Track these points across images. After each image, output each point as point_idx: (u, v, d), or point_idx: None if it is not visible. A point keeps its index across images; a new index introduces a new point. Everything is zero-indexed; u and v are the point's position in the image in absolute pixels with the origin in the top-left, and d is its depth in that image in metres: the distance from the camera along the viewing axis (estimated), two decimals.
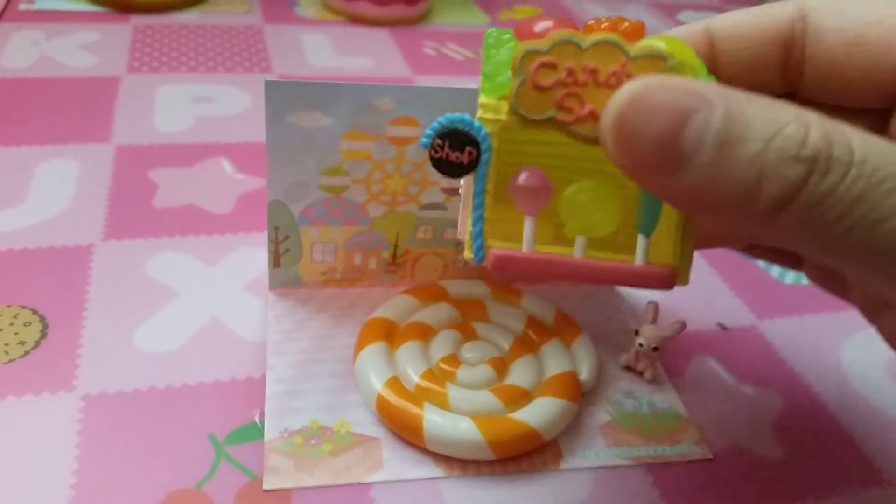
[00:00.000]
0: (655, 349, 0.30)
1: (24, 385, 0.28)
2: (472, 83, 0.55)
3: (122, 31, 0.56)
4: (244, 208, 0.39)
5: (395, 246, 0.32)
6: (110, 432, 0.27)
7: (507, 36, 0.20)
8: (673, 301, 0.36)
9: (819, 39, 0.21)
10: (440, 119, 0.19)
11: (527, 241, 0.20)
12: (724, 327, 0.35)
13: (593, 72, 0.18)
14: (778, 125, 0.15)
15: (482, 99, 0.19)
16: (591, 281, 0.20)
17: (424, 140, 0.20)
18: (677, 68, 0.18)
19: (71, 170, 0.40)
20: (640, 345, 0.30)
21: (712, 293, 0.37)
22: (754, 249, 0.26)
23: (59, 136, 0.43)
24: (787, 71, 0.22)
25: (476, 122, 0.19)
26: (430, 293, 0.33)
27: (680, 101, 0.15)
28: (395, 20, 0.63)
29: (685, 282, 0.20)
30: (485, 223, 0.20)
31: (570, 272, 0.19)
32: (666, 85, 0.16)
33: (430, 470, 0.27)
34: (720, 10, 0.79)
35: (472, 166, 0.19)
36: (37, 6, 0.58)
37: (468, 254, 0.20)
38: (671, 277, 0.20)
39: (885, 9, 0.20)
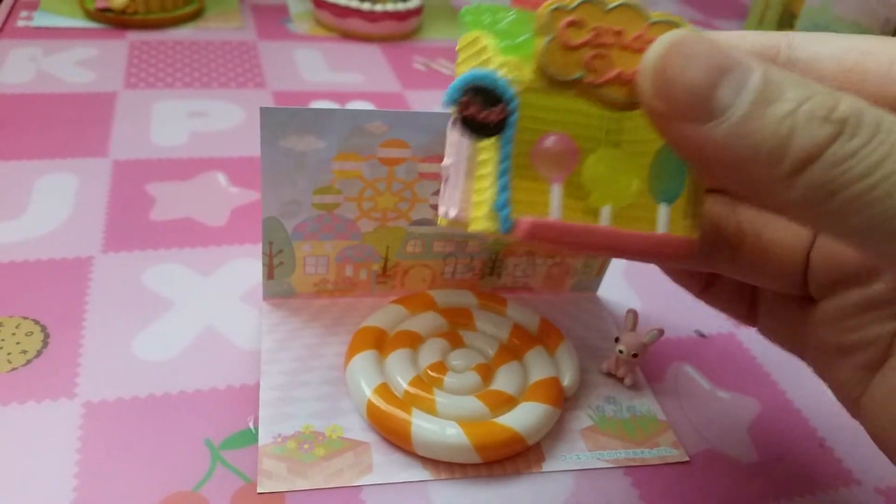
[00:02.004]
0: (635, 356, 0.32)
1: (26, 392, 0.29)
2: None
3: (118, 48, 0.57)
4: (239, 221, 0.40)
5: (386, 259, 0.33)
6: (110, 438, 0.28)
7: (487, 9, 0.19)
8: (652, 309, 0.37)
9: (818, 60, 0.21)
10: (463, 76, 0.18)
11: (555, 208, 0.18)
12: (702, 335, 0.36)
13: (619, 34, 0.18)
14: (811, 91, 0.16)
15: (502, 57, 0.18)
16: (618, 251, 0.19)
17: (447, 98, 0.18)
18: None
19: (70, 183, 0.41)
20: (621, 352, 0.32)
21: (690, 302, 0.38)
22: (709, 294, 0.26)
23: (57, 150, 0.44)
24: None
25: (502, 80, 0.18)
26: (419, 303, 0.34)
27: (718, 58, 0.16)
28: (386, 36, 0.65)
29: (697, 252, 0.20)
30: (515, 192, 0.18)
31: (600, 241, 0.18)
32: (707, 40, 0.16)
33: (419, 473, 0.28)
34: (705, 24, 0.81)
35: (499, 127, 0.18)
36: (34, 23, 0.59)
37: (489, 225, 0.18)
38: (692, 245, 0.19)
39: (875, 43, 0.20)
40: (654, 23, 0.18)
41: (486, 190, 0.18)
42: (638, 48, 0.18)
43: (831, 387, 0.23)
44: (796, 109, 0.15)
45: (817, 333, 0.23)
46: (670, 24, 0.18)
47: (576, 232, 0.18)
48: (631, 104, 0.18)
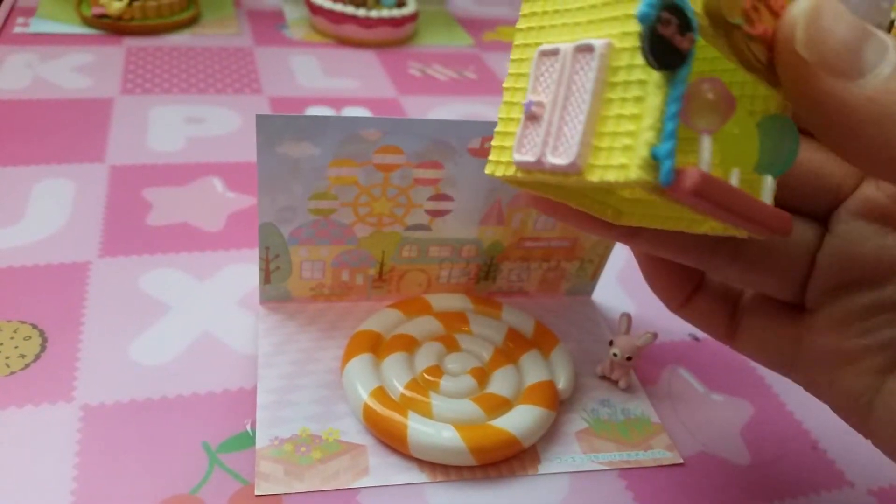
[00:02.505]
0: (629, 359, 0.32)
1: (25, 396, 0.29)
2: (456, 103, 0.57)
3: (115, 54, 0.58)
4: (235, 226, 0.40)
5: (382, 263, 0.34)
6: (108, 441, 0.28)
7: None
8: (646, 313, 0.37)
9: None
10: None
11: (705, 164, 0.16)
12: (695, 338, 0.37)
13: None
14: None
15: None
16: (747, 222, 0.17)
17: (644, 7, 0.15)
18: None
19: (67, 189, 0.41)
20: (615, 355, 0.32)
21: None
22: (688, 308, 0.25)
23: (54, 156, 0.44)
24: None
25: (690, 7, 0.15)
26: (415, 307, 0.34)
27: (859, 23, 0.16)
28: (381, 42, 0.65)
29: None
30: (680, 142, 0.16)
31: (743, 208, 0.16)
32: (845, 8, 0.17)
33: (415, 476, 0.28)
34: None
35: (682, 59, 0.15)
36: (31, 29, 0.60)
37: (643, 174, 0.15)
38: (789, 223, 0.18)
39: None
40: None
41: (636, 134, 0.15)
42: (776, 11, 0.17)
43: (829, 398, 0.22)
44: None
45: (813, 342, 0.22)
46: None
47: (737, 196, 0.16)
48: (764, 68, 0.17)
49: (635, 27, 0.15)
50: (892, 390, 0.20)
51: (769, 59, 0.17)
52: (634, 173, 0.15)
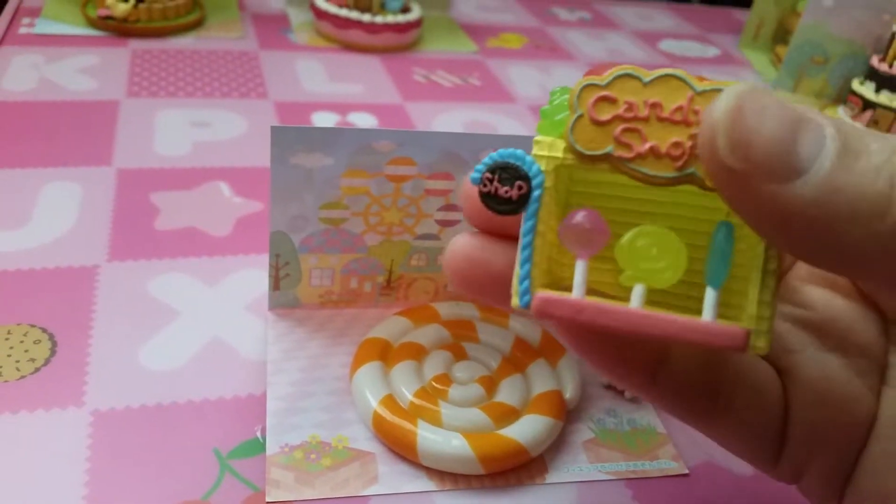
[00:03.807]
0: None
1: (35, 401, 0.29)
2: (460, 109, 0.57)
3: (120, 56, 0.58)
4: (243, 231, 0.40)
5: (390, 271, 0.34)
6: (119, 447, 0.28)
7: (559, 90, 0.19)
8: None
9: None
10: (492, 154, 0.18)
11: (577, 286, 0.18)
12: None
13: (655, 106, 0.17)
14: (893, 142, 0.15)
15: (538, 136, 0.18)
16: (647, 333, 0.17)
17: (474, 175, 0.18)
18: None
19: (74, 192, 0.41)
20: None
21: None
22: (658, 388, 0.21)
23: (61, 158, 0.44)
24: None
25: (529, 158, 0.18)
26: (423, 315, 0.34)
27: (789, 110, 0.15)
28: (386, 48, 0.66)
29: (764, 347, 0.17)
30: (534, 267, 0.18)
31: (621, 321, 0.17)
32: (772, 95, 0.15)
33: (424, 484, 0.28)
34: (700, 39, 0.82)
35: (522, 202, 0.18)
36: (37, 30, 0.60)
37: (514, 300, 0.18)
38: (742, 338, 0.17)
39: None
40: (702, 92, 0.17)
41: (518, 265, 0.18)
42: (679, 120, 0.17)
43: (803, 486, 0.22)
44: (891, 158, 0.14)
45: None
46: (719, 92, 0.16)
47: (592, 310, 0.17)
48: (670, 179, 0.17)
49: None
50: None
51: (681, 167, 0.17)
52: (513, 300, 0.18)
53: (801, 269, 0.22)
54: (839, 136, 0.15)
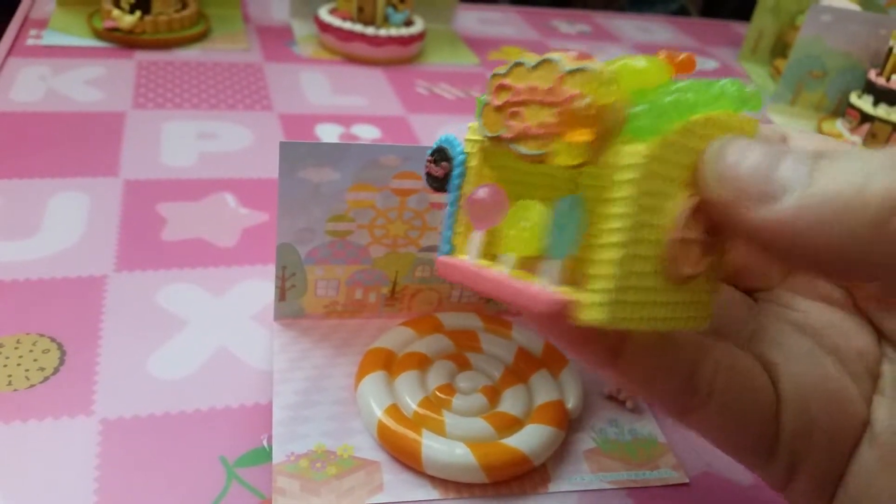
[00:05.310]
0: None
1: (44, 410, 0.29)
2: (462, 122, 0.58)
3: (126, 67, 0.59)
4: (249, 242, 0.41)
5: (395, 283, 0.34)
6: (128, 455, 0.28)
7: None
8: None
9: None
10: (438, 138, 0.21)
11: (471, 253, 0.20)
12: None
13: (533, 90, 0.18)
14: (867, 152, 0.16)
15: (471, 122, 0.21)
16: (487, 294, 0.19)
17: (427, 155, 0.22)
18: (611, 85, 0.17)
19: (82, 203, 0.42)
20: None
21: None
22: (618, 369, 0.21)
23: (68, 169, 0.45)
24: None
25: (457, 141, 0.21)
26: (427, 325, 0.35)
27: (770, 146, 0.17)
28: (389, 60, 0.66)
29: (601, 319, 0.17)
30: (455, 235, 0.21)
31: (471, 282, 0.20)
32: (754, 138, 0.18)
33: (428, 493, 0.29)
34: (699, 52, 0.83)
35: (446, 180, 0.21)
36: (44, 41, 0.60)
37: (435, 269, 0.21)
38: (555, 305, 0.17)
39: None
40: (570, 72, 0.17)
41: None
42: (549, 101, 0.18)
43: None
44: (864, 164, 0.15)
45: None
46: (584, 72, 0.17)
47: (471, 274, 0.20)
48: (537, 157, 0.18)
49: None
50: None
51: (543, 145, 0.18)
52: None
53: (798, 283, 0.23)
54: (812, 155, 0.16)
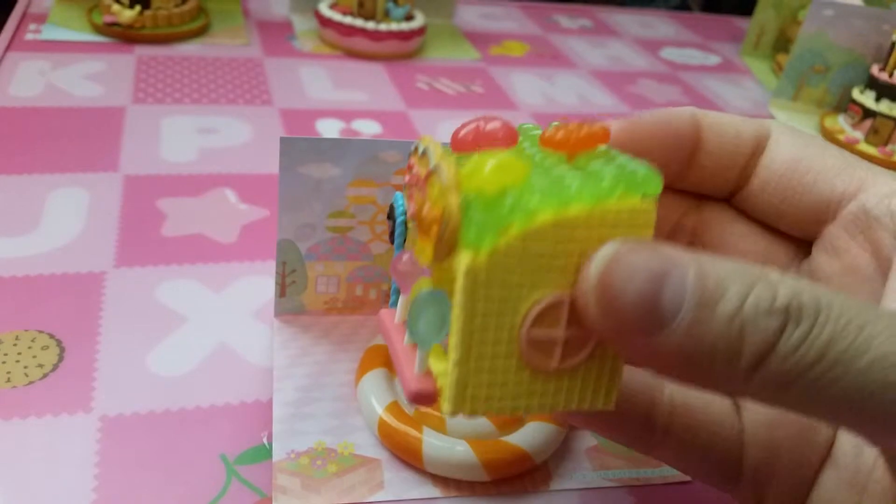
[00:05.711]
0: None
1: (43, 406, 0.29)
2: (463, 117, 0.58)
3: (125, 62, 0.58)
4: (249, 238, 0.41)
5: None
6: (127, 452, 0.28)
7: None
8: None
9: (779, 143, 0.22)
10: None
11: (398, 313, 0.21)
12: None
13: (417, 178, 0.19)
14: (750, 280, 0.16)
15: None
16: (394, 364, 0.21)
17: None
18: (448, 193, 0.17)
19: (81, 198, 0.42)
20: None
21: None
22: (661, 449, 0.23)
23: (68, 164, 0.45)
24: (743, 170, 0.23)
25: (401, 200, 0.23)
26: None
27: (654, 263, 0.16)
28: (390, 55, 0.66)
29: (448, 410, 0.18)
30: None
31: (390, 350, 0.21)
32: (637, 249, 0.16)
33: (429, 490, 0.29)
34: (701, 47, 0.83)
35: (392, 237, 0.23)
36: (43, 36, 0.60)
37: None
38: (413, 393, 0.19)
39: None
40: (430, 170, 0.18)
41: None
42: (421, 186, 0.19)
43: None
44: (742, 306, 0.15)
45: None
46: (435, 174, 0.17)
47: (386, 336, 0.21)
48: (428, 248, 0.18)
49: None
50: None
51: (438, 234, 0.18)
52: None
53: None
54: (699, 283, 0.16)
